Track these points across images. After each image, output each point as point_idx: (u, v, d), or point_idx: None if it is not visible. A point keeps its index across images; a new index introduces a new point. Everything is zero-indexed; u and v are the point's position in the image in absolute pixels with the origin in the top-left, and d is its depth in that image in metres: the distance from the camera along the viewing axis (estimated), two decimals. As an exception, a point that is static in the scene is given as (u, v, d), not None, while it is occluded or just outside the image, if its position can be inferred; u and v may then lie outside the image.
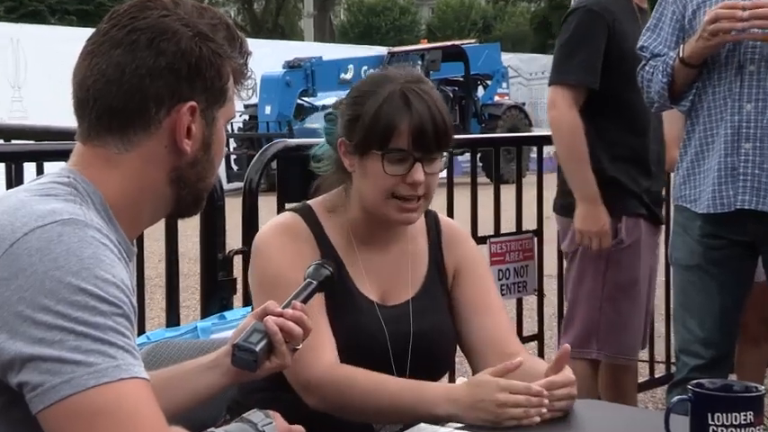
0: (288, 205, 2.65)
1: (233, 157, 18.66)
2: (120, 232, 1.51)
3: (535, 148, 4.76)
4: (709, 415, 1.69)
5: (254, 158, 3.56)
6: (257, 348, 1.72)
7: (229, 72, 1.57)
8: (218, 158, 1.61)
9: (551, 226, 4.61)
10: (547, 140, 4.41)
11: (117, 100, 1.51)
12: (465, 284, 2.19)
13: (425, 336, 2.12)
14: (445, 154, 2.10)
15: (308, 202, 2.21)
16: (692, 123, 3.11)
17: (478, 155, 4.53)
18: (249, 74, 1.64)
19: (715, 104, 3.04)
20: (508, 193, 4.42)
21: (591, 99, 3.59)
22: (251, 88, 1.96)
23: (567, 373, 1.93)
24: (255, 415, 1.59)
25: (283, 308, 1.77)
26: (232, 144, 18.92)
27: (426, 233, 2.23)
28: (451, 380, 4.11)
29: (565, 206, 3.67)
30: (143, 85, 1.50)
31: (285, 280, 2.02)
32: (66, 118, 1.70)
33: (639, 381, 4.34)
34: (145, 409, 1.37)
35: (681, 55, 3.02)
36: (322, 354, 1.98)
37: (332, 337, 2.03)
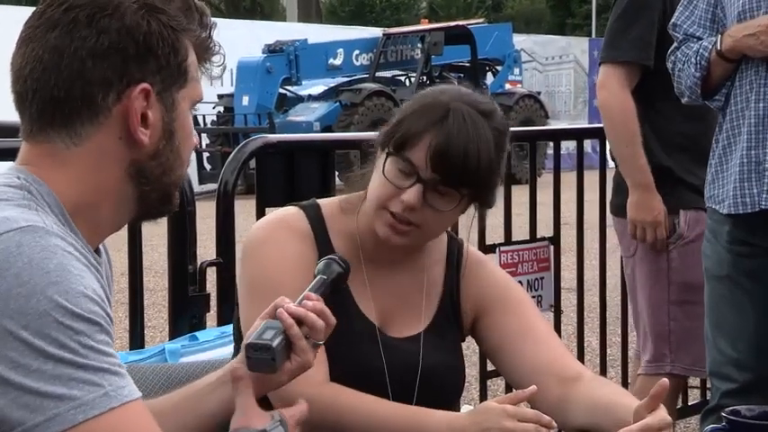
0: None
1: (205, 155, 18.66)
2: (80, 238, 1.50)
3: (552, 144, 4.76)
4: (748, 446, 1.71)
5: (230, 156, 3.57)
6: (274, 344, 1.70)
7: (188, 47, 1.56)
8: (186, 147, 1.59)
9: (569, 233, 4.63)
10: (564, 134, 4.44)
11: (57, 89, 1.49)
12: (500, 315, 2.17)
13: (434, 375, 2.12)
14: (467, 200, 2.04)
15: (318, 200, 2.19)
16: (723, 116, 3.14)
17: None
18: (216, 48, 1.62)
19: (741, 92, 3.06)
20: (521, 194, 4.43)
21: (645, 80, 3.64)
22: (221, 65, 1.94)
23: (663, 413, 1.88)
24: (277, 431, 1.63)
25: (297, 304, 1.77)
26: (204, 140, 18.92)
27: (445, 262, 2.21)
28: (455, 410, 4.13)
29: (621, 206, 3.71)
30: (85, 69, 1.49)
31: (283, 284, 2.01)
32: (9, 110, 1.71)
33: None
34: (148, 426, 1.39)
35: (719, 48, 3.03)
36: (311, 370, 1.91)
37: (323, 351, 2.01)
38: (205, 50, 1.60)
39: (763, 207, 2.97)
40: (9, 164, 1.58)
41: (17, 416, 1.34)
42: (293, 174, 3.67)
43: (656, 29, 3.61)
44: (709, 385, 4.51)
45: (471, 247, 2.28)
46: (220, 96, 19.39)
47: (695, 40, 3.13)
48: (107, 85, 1.49)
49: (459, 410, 2.12)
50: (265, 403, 1.81)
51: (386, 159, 2.06)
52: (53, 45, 1.49)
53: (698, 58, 3.08)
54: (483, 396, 4.30)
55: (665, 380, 1.91)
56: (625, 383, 4.56)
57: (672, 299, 3.65)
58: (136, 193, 1.55)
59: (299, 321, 1.74)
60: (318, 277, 1.85)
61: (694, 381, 5.00)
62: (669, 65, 3.19)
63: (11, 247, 1.38)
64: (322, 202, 2.18)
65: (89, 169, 1.51)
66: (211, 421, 1.76)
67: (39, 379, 1.33)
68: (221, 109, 19.81)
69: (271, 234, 2.11)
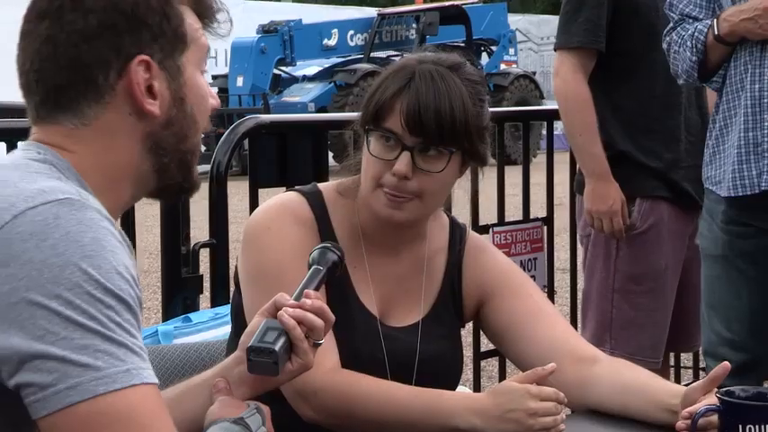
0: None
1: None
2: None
3: (546, 124, 4.76)
4: (740, 426, 1.71)
5: (222, 137, 3.56)
6: (276, 347, 1.68)
7: (180, 11, 1.55)
8: (201, 110, 1.58)
9: (563, 213, 4.63)
10: (558, 115, 4.43)
11: (58, 77, 1.50)
12: (504, 302, 2.16)
13: (432, 365, 2.10)
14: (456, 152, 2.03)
15: (319, 185, 2.17)
16: (719, 96, 3.13)
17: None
18: (216, 4, 1.62)
19: (736, 72, 3.05)
20: (514, 175, 4.43)
21: (603, 62, 3.61)
22: (228, 20, 1.93)
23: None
24: (254, 419, 1.62)
25: (295, 300, 1.75)
26: (199, 121, 18.86)
27: (448, 245, 2.20)
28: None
29: (583, 183, 3.70)
30: (80, 53, 1.49)
31: (287, 271, 2.00)
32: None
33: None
34: (158, 419, 1.39)
35: (717, 32, 3.02)
36: (322, 357, 1.92)
37: (333, 337, 1.99)
38: (204, 9, 1.60)
39: (763, 188, 2.96)
40: (19, 143, 1.59)
41: (40, 381, 1.34)
42: (286, 155, 3.67)
43: (608, 10, 3.56)
44: (702, 365, 4.53)
45: (473, 233, 2.27)
46: (215, 77, 19.34)
47: (691, 20, 3.11)
48: (105, 64, 1.50)
49: None
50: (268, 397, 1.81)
51: (367, 138, 2.05)
52: (45, 35, 1.50)
53: (693, 41, 3.06)
54: (477, 376, 4.31)
55: (727, 363, 1.90)
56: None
57: (616, 287, 3.64)
58: (155, 166, 1.56)
59: (299, 322, 1.72)
60: (314, 268, 1.82)
61: (687, 362, 5.02)
62: (665, 45, 3.18)
63: (48, 219, 1.38)
64: (322, 186, 2.16)
65: (103, 148, 1.52)
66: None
67: (66, 347, 1.34)
68: (215, 90, 19.69)
69: (274, 220, 2.09)
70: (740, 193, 3.00)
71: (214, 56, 19.88)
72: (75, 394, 1.34)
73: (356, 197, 2.12)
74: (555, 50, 3.70)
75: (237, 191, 3.44)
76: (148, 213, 3.15)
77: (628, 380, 2.03)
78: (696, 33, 3.07)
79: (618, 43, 3.58)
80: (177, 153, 1.57)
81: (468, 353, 4.95)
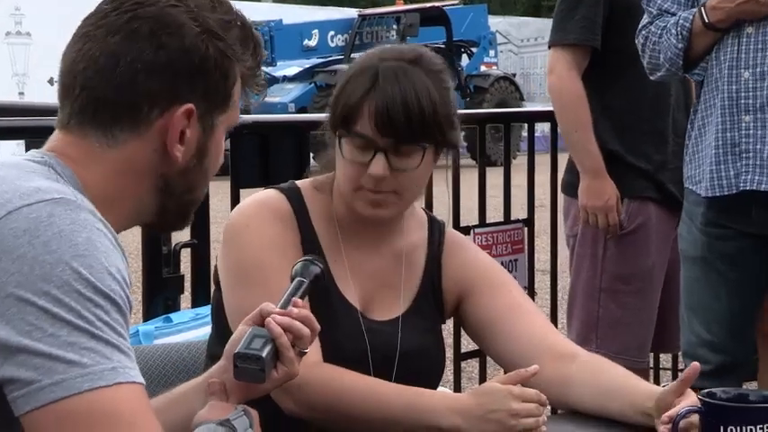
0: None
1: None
2: None
3: (527, 126, 4.76)
4: (722, 428, 1.72)
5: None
6: (263, 354, 1.69)
7: (237, 75, 1.60)
8: (213, 170, 1.63)
9: (544, 215, 4.64)
10: (539, 116, 4.43)
11: (106, 92, 1.52)
12: (483, 297, 2.17)
13: (412, 360, 2.10)
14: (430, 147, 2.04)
15: (297, 182, 2.18)
16: (697, 96, 3.15)
17: (462, 133, 4.53)
18: (260, 78, 1.67)
19: (713, 72, 3.05)
20: (495, 177, 4.43)
21: (596, 61, 3.62)
22: (262, 92, 1.97)
23: (693, 398, 1.87)
24: (240, 421, 1.62)
25: (281, 308, 1.75)
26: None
27: (427, 240, 2.20)
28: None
29: (569, 185, 3.71)
30: (137, 79, 1.52)
31: (268, 268, 2.00)
32: None
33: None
34: (142, 418, 1.39)
35: (706, 19, 3.01)
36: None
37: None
38: (252, 79, 1.64)
39: (741, 188, 2.97)
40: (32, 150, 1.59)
41: (25, 377, 1.35)
42: (268, 155, 3.66)
43: (605, 9, 3.58)
44: (681, 367, 4.54)
45: (452, 229, 2.27)
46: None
47: (669, 15, 3.11)
48: (154, 99, 1.53)
49: None
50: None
51: (339, 142, 2.06)
52: (111, 50, 1.52)
53: (678, 29, 3.05)
54: (457, 378, 4.31)
55: (697, 364, 1.90)
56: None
57: (603, 286, 3.66)
58: (157, 204, 1.59)
59: (285, 330, 1.72)
60: (297, 280, 1.82)
61: (666, 363, 5.03)
62: (640, 40, 3.16)
63: (42, 216, 1.40)
64: (300, 183, 2.17)
65: (117, 172, 1.54)
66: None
67: (52, 344, 1.35)
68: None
69: (252, 218, 2.09)
70: (718, 194, 3.01)
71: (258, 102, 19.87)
72: (59, 390, 1.34)
73: (332, 192, 2.13)
74: (549, 47, 3.70)
75: (218, 191, 3.43)
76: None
77: (605, 380, 2.03)
78: (681, 21, 3.05)
79: (612, 42, 3.59)
80: (181, 201, 1.61)
81: (448, 354, 4.94)
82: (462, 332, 4.38)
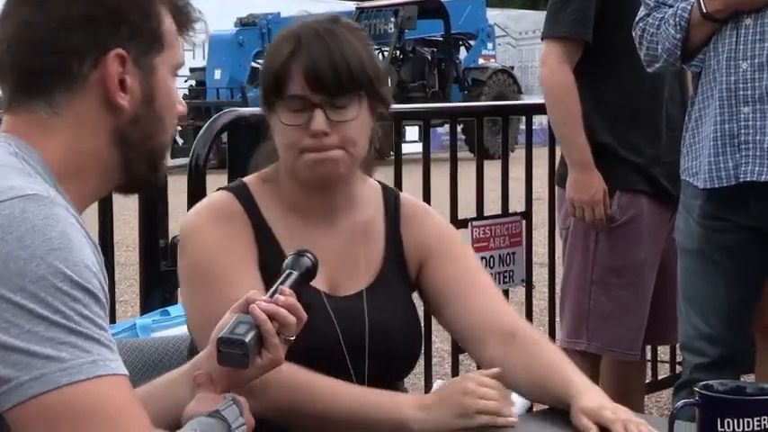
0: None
1: (177, 128, 18.55)
2: (73, 208, 1.51)
3: (524, 119, 4.76)
4: (719, 420, 1.71)
5: (201, 131, 3.54)
6: (247, 339, 1.70)
7: (161, 13, 1.58)
8: (169, 112, 1.62)
9: (542, 208, 4.64)
10: (537, 109, 4.42)
11: (33, 62, 1.52)
12: (440, 267, 2.18)
13: (383, 332, 2.11)
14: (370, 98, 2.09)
15: (243, 178, 2.21)
16: (694, 88, 3.14)
17: (460, 126, 4.53)
18: (195, 14, 1.65)
19: (711, 64, 3.04)
20: (493, 169, 4.43)
21: (588, 54, 3.62)
22: (203, 32, 1.96)
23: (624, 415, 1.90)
24: (231, 411, 1.63)
25: (269, 297, 1.76)
26: (176, 114, 18.82)
27: (384, 211, 2.22)
28: (428, 385, 4.14)
29: (565, 177, 3.71)
30: (58, 38, 1.52)
31: (220, 268, 2.02)
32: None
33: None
34: (126, 410, 1.39)
35: (705, 9, 3.00)
36: None
37: None
38: (183, 17, 1.62)
39: (741, 179, 2.97)
40: None
41: (3, 374, 1.34)
42: (265, 148, 3.65)
43: (598, 2, 3.58)
44: (678, 359, 4.54)
45: (406, 195, 2.29)
46: (192, 70, 19.28)
47: (666, 8, 3.11)
48: (81, 53, 1.52)
49: (431, 383, 2.12)
50: None
51: (275, 111, 2.08)
52: (25, 20, 1.52)
53: (677, 19, 3.05)
54: (455, 371, 4.31)
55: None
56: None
57: (594, 279, 3.66)
58: (121, 160, 1.58)
59: (271, 317, 1.73)
60: (287, 272, 1.83)
61: (664, 355, 5.03)
62: (637, 32, 3.16)
63: (15, 213, 1.39)
64: (247, 179, 2.19)
65: (73, 136, 1.53)
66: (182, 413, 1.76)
67: (29, 340, 1.34)
68: (193, 83, 19.70)
69: (202, 220, 2.12)
70: (716, 185, 3.01)
71: (191, 49, 19.82)
72: (38, 385, 1.34)
73: (279, 180, 2.15)
74: (542, 40, 3.71)
75: (216, 184, 3.42)
76: (125, 207, 3.12)
77: (536, 369, 2.05)
78: (679, 11, 3.05)
79: (605, 35, 3.59)
80: (143, 150, 1.59)
81: (446, 347, 4.95)
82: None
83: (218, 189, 2.19)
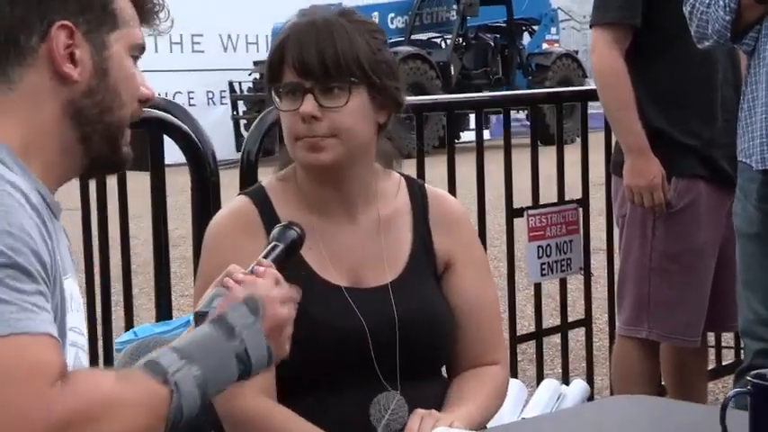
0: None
1: (242, 122, 18.66)
2: (41, 185, 1.56)
3: (580, 105, 4.72)
4: (769, 410, 1.68)
5: (252, 125, 3.54)
6: None
7: None
8: (126, 88, 1.63)
9: (599, 194, 4.59)
10: (591, 95, 4.38)
11: None
12: (458, 277, 2.20)
13: (414, 322, 2.11)
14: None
15: (261, 181, 2.25)
16: (747, 68, 3.11)
17: (524, 112, 4.50)
18: (153, 3, 1.67)
19: (760, 44, 3.01)
20: (549, 156, 4.39)
21: (638, 38, 3.59)
22: (169, 18, 1.94)
23: None
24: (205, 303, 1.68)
25: (249, 272, 1.76)
26: (241, 107, 18.94)
27: (410, 203, 2.23)
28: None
29: (620, 164, 3.68)
30: (3, 12, 1.56)
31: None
32: None
33: (708, 368, 4.31)
34: (24, 365, 1.38)
35: None
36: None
37: None
38: (142, 2, 1.65)
39: None
40: None
41: None
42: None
43: None
44: (743, 346, 4.48)
45: (432, 187, 2.29)
46: (256, 63, 19.33)
47: None
48: (27, 25, 1.56)
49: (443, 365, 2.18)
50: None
51: (276, 100, 2.13)
52: None
53: (727, 0, 3.02)
54: (514, 360, 4.27)
55: None
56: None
57: (653, 266, 3.63)
58: (78, 134, 1.60)
59: None
60: (272, 244, 1.84)
61: (728, 341, 4.97)
62: (687, 8, 3.14)
63: None
64: (266, 182, 2.23)
65: (28, 111, 1.57)
66: None
67: None
68: (257, 75, 19.77)
69: (220, 228, 2.18)
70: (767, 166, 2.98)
71: (255, 42, 19.90)
72: None
73: (296, 178, 2.18)
74: (590, 27, 3.69)
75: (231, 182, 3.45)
76: (180, 201, 3.14)
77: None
78: None
79: (653, 19, 3.56)
80: (101, 125, 1.61)
81: (504, 336, 4.90)
82: (519, 315, 4.36)
83: (239, 194, 2.24)
